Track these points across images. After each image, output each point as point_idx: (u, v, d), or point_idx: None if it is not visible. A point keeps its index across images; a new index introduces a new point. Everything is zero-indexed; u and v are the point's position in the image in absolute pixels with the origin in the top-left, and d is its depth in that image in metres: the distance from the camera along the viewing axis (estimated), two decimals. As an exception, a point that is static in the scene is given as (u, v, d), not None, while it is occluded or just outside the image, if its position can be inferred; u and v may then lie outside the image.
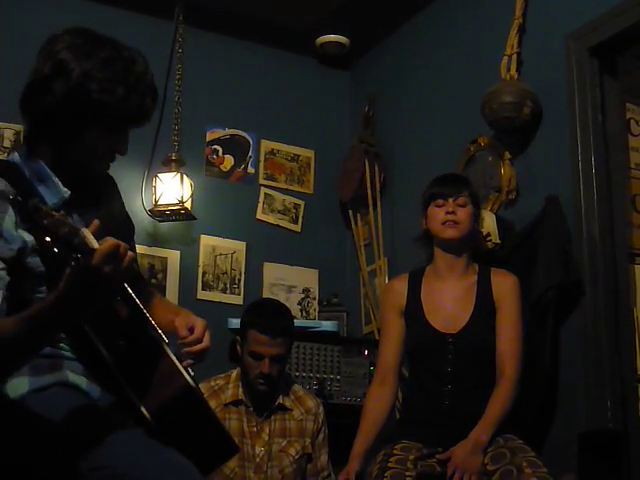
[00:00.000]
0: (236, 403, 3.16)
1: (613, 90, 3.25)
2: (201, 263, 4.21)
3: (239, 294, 4.25)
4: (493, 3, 3.78)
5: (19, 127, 3.80)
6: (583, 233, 3.10)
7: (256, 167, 4.46)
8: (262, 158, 4.47)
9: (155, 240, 4.11)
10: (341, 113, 4.73)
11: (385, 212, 4.24)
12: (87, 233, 1.49)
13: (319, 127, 4.65)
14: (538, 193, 3.25)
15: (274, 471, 3.11)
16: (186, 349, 1.87)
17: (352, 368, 3.81)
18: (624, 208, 3.26)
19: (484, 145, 3.60)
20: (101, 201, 1.90)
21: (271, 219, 4.43)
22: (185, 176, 4.04)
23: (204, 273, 4.21)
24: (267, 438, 3.14)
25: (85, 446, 1.63)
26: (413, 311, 2.81)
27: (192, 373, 1.81)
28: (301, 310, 4.37)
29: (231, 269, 4.27)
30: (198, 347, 1.88)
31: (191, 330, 1.89)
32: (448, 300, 2.79)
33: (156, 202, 4.03)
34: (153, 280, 3.98)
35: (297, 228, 4.49)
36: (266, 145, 4.50)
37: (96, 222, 1.54)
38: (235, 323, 3.45)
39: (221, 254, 4.26)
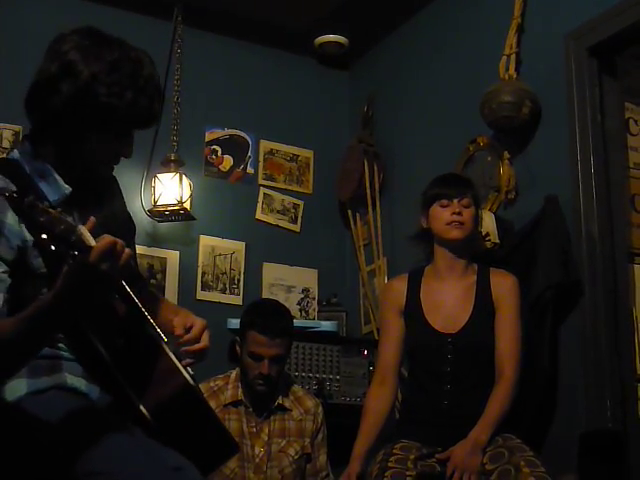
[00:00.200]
0: (235, 404, 3.16)
1: (612, 90, 3.25)
2: (200, 263, 4.20)
3: (238, 294, 4.25)
4: (492, 3, 3.78)
5: (18, 127, 3.80)
6: (582, 233, 3.10)
7: (255, 167, 4.45)
8: (261, 158, 4.47)
9: (154, 240, 4.11)
10: (340, 113, 4.72)
11: (384, 212, 4.24)
12: (84, 230, 1.48)
13: (318, 127, 4.65)
14: (537, 193, 3.25)
15: (274, 471, 3.11)
16: (184, 348, 1.85)
17: (351, 368, 3.81)
18: (623, 208, 3.26)
19: (483, 145, 3.60)
20: (103, 200, 1.88)
21: (270, 219, 4.42)
22: (184, 176, 4.04)
23: (203, 273, 4.20)
24: (266, 438, 3.14)
25: (82, 451, 1.62)
26: (412, 311, 2.81)
27: (191, 372, 1.80)
28: (300, 310, 4.36)
29: (230, 269, 4.26)
30: (196, 347, 1.86)
31: (189, 329, 1.88)
32: (447, 300, 2.78)
33: (155, 202, 4.03)
34: (152, 280, 3.97)
35: (296, 228, 4.49)
36: (265, 145, 4.49)
37: (92, 219, 1.53)
38: (234, 323, 3.45)
39: (220, 254, 4.26)
